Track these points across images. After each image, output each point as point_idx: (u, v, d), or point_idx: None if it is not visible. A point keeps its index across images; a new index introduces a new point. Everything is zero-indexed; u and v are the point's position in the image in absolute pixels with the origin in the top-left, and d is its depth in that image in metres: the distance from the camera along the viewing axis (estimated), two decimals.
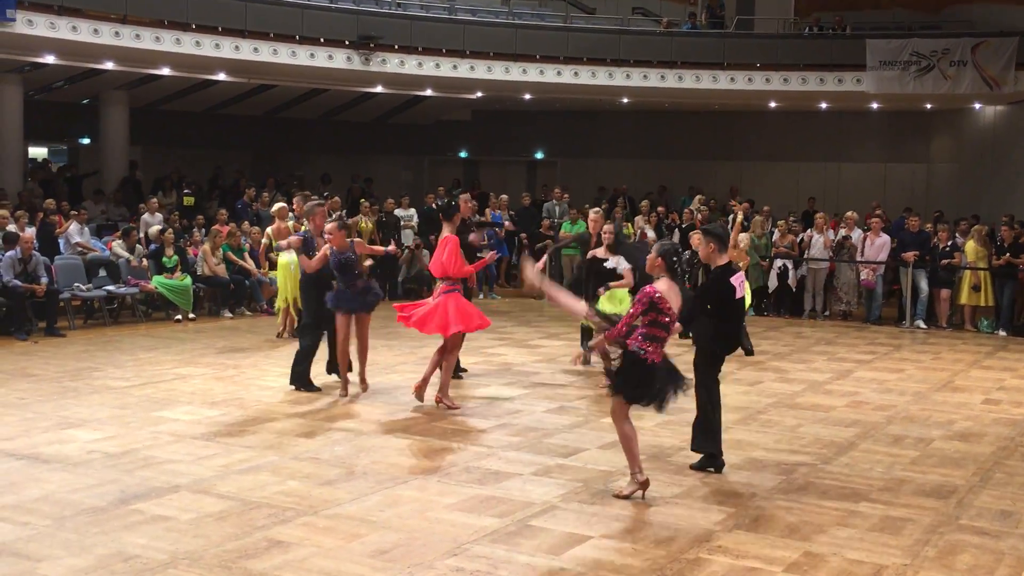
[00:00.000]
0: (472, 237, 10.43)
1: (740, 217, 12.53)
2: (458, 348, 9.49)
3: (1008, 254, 15.47)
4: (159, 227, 16.02)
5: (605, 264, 10.17)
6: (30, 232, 14.22)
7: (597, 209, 11.71)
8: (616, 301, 9.92)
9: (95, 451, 7.55)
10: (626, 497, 6.58)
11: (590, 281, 10.38)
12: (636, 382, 6.54)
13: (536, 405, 9.54)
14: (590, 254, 10.65)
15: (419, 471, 7.22)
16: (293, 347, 10.34)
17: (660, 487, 6.88)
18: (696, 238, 7.21)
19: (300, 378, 9.94)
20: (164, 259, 14.93)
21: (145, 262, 15.16)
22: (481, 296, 17.83)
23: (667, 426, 8.38)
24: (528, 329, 14.57)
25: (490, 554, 5.58)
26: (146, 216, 17.06)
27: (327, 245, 9.61)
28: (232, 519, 6.07)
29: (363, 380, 9.87)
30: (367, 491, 6.68)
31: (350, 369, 9.84)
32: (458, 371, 10.35)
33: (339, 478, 6.99)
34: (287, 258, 12.55)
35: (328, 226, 9.61)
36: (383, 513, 6.24)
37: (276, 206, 14.35)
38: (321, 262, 9.62)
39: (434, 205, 18.87)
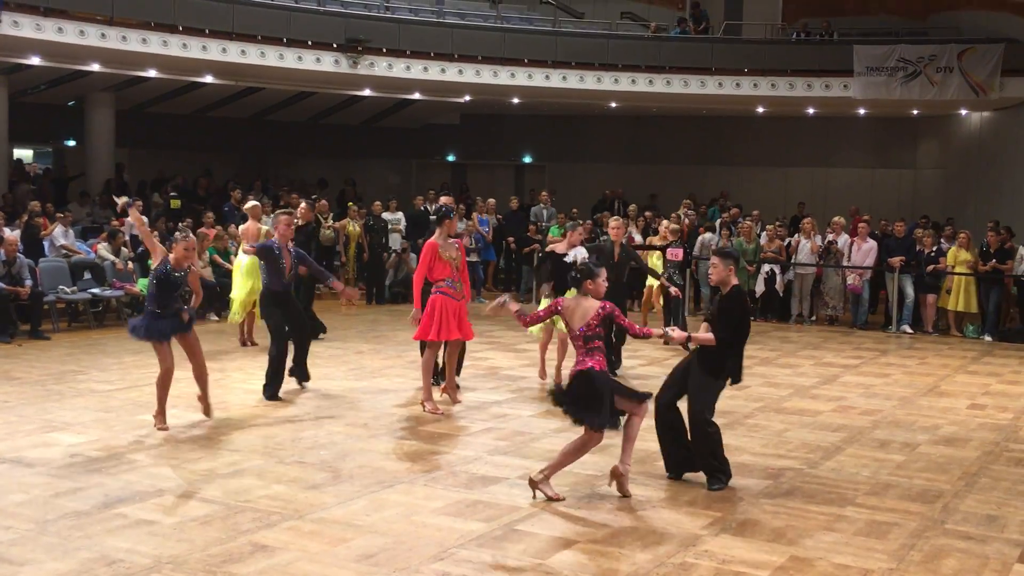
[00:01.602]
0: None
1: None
2: (433, 350, 9.42)
3: (994, 260, 15.53)
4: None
5: (565, 259, 10.27)
6: (14, 234, 14.13)
7: (617, 218, 11.82)
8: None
9: (78, 454, 7.50)
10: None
11: (552, 275, 10.40)
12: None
13: (523, 409, 9.52)
14: (549, 248, 10.92)
15: (405, 475, 7.19)
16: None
17: (646, 491, 6.87)
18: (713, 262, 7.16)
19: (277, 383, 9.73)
20: (150, 262, 14.83)
21: (131, 265, 15.08)
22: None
23: (653, 430, 8.35)
24: (515, 334, 14.56)
25: (476, 558, 5.56)
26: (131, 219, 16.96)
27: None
28: (217, 523, 6.03)
29: (206, 403, 8.82)
30: (353, 495, 6.66)
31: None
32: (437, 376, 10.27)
33: (325, 482, 6.95)
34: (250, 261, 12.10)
35: (188, 242, 8.63)
36: (369, 517, 6.21)
37: (249, 204, 13.66)
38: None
39: (423, 208, 18.85)
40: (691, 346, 7.14)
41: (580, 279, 6.71)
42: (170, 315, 8.39)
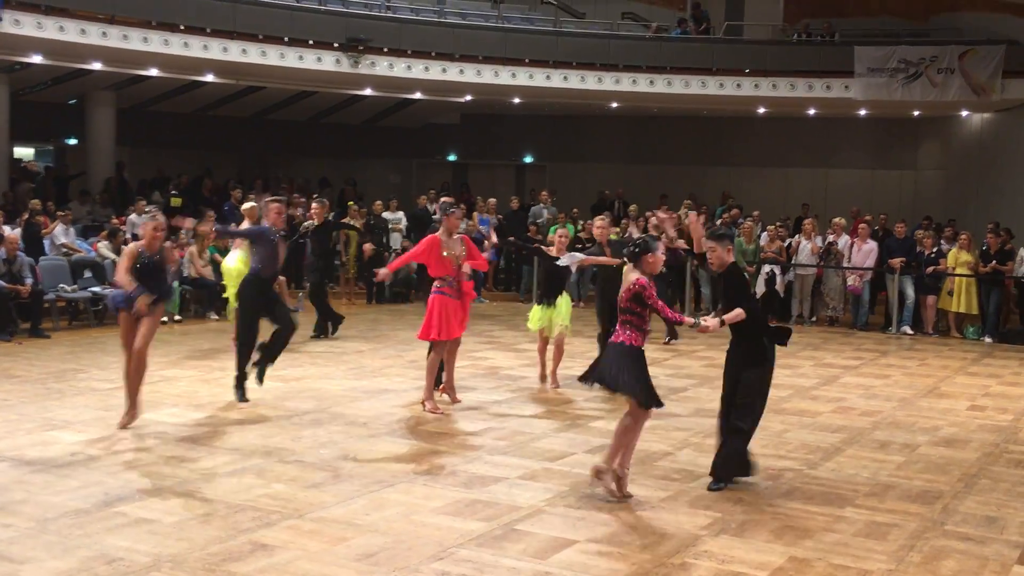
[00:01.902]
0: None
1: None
2: (439, 351, 9.42)
3: (994, 261, 15.53)
4: None
5: (557, 263, 10.30)
6: (15, 233, 14.13)
7: (603, 217, 11.75)
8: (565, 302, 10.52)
9: (79, 453, 7.50)
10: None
11: (546, 279, 10.64)
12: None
13: (523, 409, 9.52)
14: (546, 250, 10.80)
15: (405, 474, 7.20)
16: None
17: (646, 491, 6.88)
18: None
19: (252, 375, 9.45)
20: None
21: None
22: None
23: (653, 431, 8.37)
24: (515, 333, 14.56)
25: (476, 558, 5.56)
26: (133, 216, 16.99)
27: (135, 244, 8.39)
28: (216, 522, 6.04)
29: (133, 407, 8.29)
30: (353, 494, 6.66)
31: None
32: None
33: (325, 481, 6.96)
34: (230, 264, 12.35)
35: (156, 222, 8.35)
36: (369, 516, 6.22)
37: (246, 205, 13.28)
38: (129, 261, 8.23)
39: (427, 207, 18.84)
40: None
41: (638, 253, 6.65)
42: (136, 294, 8.03)
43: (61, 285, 14.16)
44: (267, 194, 13.18)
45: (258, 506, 6.35)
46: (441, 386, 9.70)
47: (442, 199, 11.13)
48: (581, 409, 9.53)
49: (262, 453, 7.67)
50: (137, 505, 6.31)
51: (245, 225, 12.06)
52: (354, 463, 7.44)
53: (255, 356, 9.40)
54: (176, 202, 19.18)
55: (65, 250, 15.37)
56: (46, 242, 15.48)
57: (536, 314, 10.50)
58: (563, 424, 8.94)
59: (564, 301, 10.48)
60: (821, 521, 6.38)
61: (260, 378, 9.45)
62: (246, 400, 9.31)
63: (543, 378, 10.74)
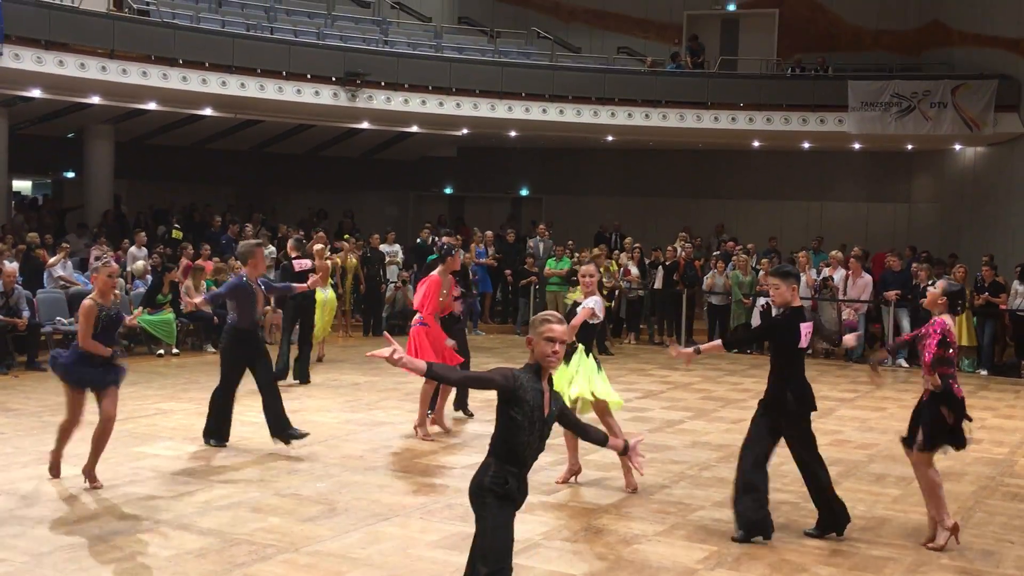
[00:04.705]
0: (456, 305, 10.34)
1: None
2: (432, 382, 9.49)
3: (987, 293, 15.59)
4: (142, 263, 16.01)
5: (577, 308, 8.17)
6: (13, 266, 14.15)
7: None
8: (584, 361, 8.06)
9: (74, 487, 7.48)
10: (940, 548, 6.52)
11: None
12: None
13: None
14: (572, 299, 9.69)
15: (401, 508, 7.18)
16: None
17: (642, 525, 6.87)
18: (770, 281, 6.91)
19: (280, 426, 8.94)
20: (160, 296, 14.89)
21: (128, 296, 15.09)
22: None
23: (650, 464, 8.36)
24: (513, 365, 14.56)
25: None
26: (133, 249, 17.02)
27: (90, 301, 7.41)
28: (212, 556, 6.02)
29: (91, 473, 7.53)
30: (349, 528, 6.65)
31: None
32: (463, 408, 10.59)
33: (320, 514, 6.95)
34: (322, 295, 13.38)
35: (110, 268, 7.60)
36: (364, 550, 6.20)
37: (318, 247, 13.96)
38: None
39: (430, 240, 18.85)
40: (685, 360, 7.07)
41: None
42: (98, 363, 7.37)
43: (58, 318, 14.17)
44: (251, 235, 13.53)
45: (253, 540, 6.33)
46: (431, 417, 9.69)
47: (442, 240, 11.08)
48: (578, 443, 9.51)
49: (258, 486, 7.66)
50: (132, 539, 6.30)
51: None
52: (350, 496, 7.42)
53: (269, 426, 8.91)
54: (177, 235, 19.24)
55: (63, 283, 15.39)
56: (44, 275, 15.51)
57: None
58: (559, 457, 8.92)
59: (581, 359, 7.94)
60: (817, 555, 6.38)
61: (294, 435, 8.87)
62: (222, 445, 8.93)
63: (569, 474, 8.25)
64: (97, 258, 8.54)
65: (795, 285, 6.80)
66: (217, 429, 9.00)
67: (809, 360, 16.51)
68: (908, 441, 6.74)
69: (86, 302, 7.35)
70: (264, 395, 8.89)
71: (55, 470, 7.69)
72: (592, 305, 7.81)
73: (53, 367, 7.58)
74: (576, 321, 7.65)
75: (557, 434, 9.93)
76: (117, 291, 7.68)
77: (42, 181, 24.96)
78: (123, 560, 5.91)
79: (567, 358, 7.76)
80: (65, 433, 7.57)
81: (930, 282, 16.17)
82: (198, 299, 9.16)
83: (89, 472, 7.49)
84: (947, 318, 6.61)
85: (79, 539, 6.26)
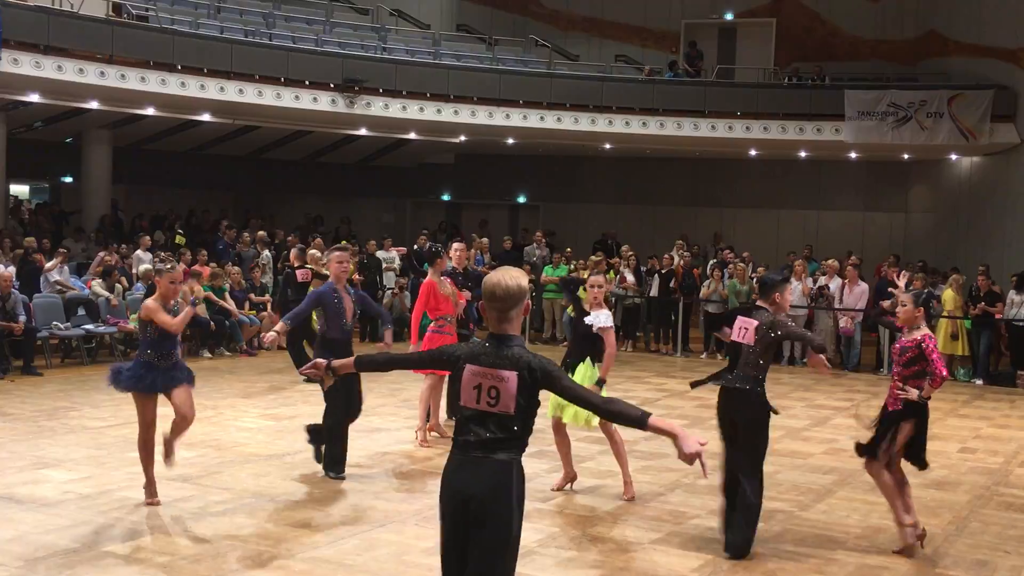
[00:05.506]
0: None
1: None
2: (435, 387, 9.57)
3: (983, 303, 15.62)
4: (148, 266, 16.02)
5: (585, 320, 7.97)
6: (9, 271, 14.15)
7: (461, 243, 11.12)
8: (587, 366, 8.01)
9: (69, 492, 7.48)
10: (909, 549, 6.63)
11: (572, 339, 8.60)
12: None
13: None
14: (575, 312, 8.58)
15: (396, 514, 7.19)
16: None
17: (638, 533, 6.88)
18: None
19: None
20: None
21: (125, 301, 15.08)
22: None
23: (645, 471, 8.38)
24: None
25: None
26: (139, 252, 17.00)
27: (152, 302, 7.27)
28: (207, 562, 6.02)
29: (171, 448, 7.46)
30: (344, 534, 6.65)
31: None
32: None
33: (316, 520, 6.95)
34: None
35: (174, 274, 7.41)
36: (360, 557, 6.21)
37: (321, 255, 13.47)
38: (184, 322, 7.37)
39: (427, 247, 18.89)
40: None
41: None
42: (166, 366, 7.25)
43: (54, 323, 14.16)
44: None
45: (249, 546, 6.34)
46: (429, 425, 9.74)
47: (454, 246, 11.05)
48: (572, 449, 9.50)
49: (253, 492, 7.66)
50: (127, 545, 6.30)
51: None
52: (346, 503, 7.43)
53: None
54: (180, 240, 19.25)
55: (59, 287, 15.37)
56: (40, 280, 15.50)
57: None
58: (554, 465, 8.92)
59: (587, 369, 7.91)
60: (812, 563, 6.39)
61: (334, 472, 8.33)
62: (340, 477, 8.24)
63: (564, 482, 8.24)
64: (162, 261, 8.39)
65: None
66: (338, 459, 8.23)
67: (804, 369, 16.56)
68: (868, 449, 6.75)
69: (149, 303, 7.22)
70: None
71: (151, 490, 7.29)
72: (606, 323, 7.79)
73: (117, 382, 7.33)
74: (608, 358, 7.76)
75: (549, 440, 9.94)
76: (179, 298, 7.50)
77: (40, 186, 24.94)
78: (118, 566, 5.91)
79: (573, 369, 7.79)
80: (148, 444, 7.28)
81: (926, 291, 16.20)
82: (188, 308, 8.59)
83: (169, 445, 7.33)
84: (928, 331, 6.71)
85: (74, 544, 6.26)
